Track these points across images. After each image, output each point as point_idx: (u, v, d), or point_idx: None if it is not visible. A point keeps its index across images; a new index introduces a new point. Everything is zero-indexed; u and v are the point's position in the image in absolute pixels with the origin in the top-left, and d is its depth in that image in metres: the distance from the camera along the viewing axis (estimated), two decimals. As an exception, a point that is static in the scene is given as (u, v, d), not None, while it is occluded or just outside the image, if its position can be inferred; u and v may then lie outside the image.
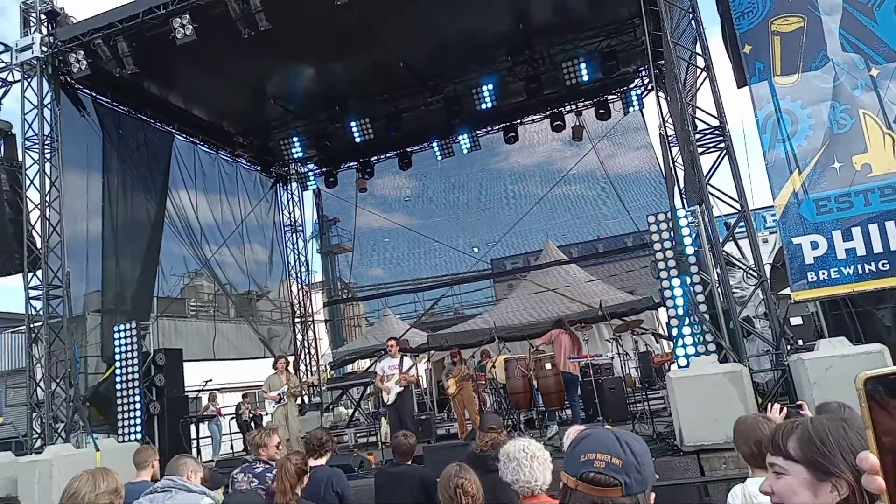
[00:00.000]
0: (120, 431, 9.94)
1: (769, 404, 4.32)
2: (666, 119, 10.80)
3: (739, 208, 8.09)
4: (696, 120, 8.46)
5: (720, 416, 6.32)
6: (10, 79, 10.85)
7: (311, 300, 18.28)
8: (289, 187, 18.19)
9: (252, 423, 14.48)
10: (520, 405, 10.39)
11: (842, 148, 7.58)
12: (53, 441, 9.45)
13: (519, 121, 15.68)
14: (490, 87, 13.63)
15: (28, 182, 10.49)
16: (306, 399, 15.56)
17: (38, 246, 10.26)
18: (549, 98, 14.53)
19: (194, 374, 13.69)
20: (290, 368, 10.68)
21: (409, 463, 5.37)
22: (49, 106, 10.57)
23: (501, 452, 3.38)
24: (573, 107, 15.30)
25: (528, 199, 16.67)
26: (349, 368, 16.74)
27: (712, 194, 8.09)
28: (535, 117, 15.75)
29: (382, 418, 10.80)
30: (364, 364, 16.56)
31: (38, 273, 10.24)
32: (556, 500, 3.17)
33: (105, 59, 10.29)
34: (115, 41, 10.04)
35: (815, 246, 7.41)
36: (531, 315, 13.67)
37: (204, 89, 13.31)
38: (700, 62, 8.64)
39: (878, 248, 7.16)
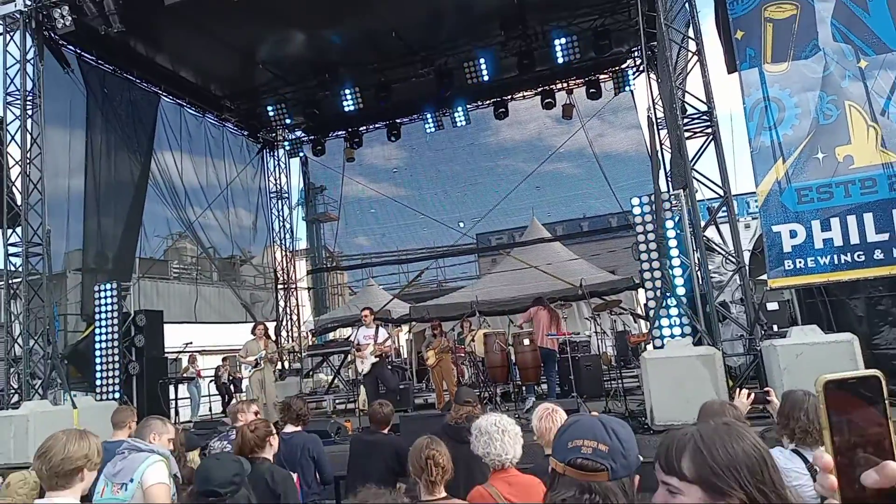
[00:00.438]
0: (98, 390, 9.97)
1: (738, 388, 4.44)
2: (655, 101, 10.81)
3: (722, 194, 8.17)
4: (685, 104, 8.49)
5: (691, 397, 6.46)
6: (-9, 32, 10.61)
7: (294, 267, 18.28)
8: (276, 153, 18.05)
9: (231, 386, 14.57)
10: (497, 379, 10.53)
11: (826, 138, 7.65)
12: (30, 397, 9.46)
13: (510, 96, 15.62)
14: (482, 61, 13.53)
15: (9, 138, 10.32)
16: (286, 365, 15.64)
17: (19, 203, 10.14)
18: (540, 74, 14.46)
19: (175, 336, 13.70)
20: (270, 335, 10.72)
21: (385, 432, 5.46)
22: (32, 61, 10.37)
23: (474, 426, 3.46)
24: (564, 84, 15.27)
25: (515, 174, 16.68)
26: (330, 336, 16.82)
27: (697, 179, 8.17)
28: (525, 93, 15.69)
29: (361, 386, 10.91)
30: (346, 332, 16.64)
31: (18, 230, 10.13)
32: (525, 473, 3.26)
33: (91, 16, 10.08)
34: (101, -3, 9.83)
35: (793, 234, 7.53)
36: (513, 291, 13.78)
37: (192, 51, 13.07)
38: (692, 46, 8.63)
39: (854, 239, 7.29)
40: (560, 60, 13.30)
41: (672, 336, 7.62)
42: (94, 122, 11.88)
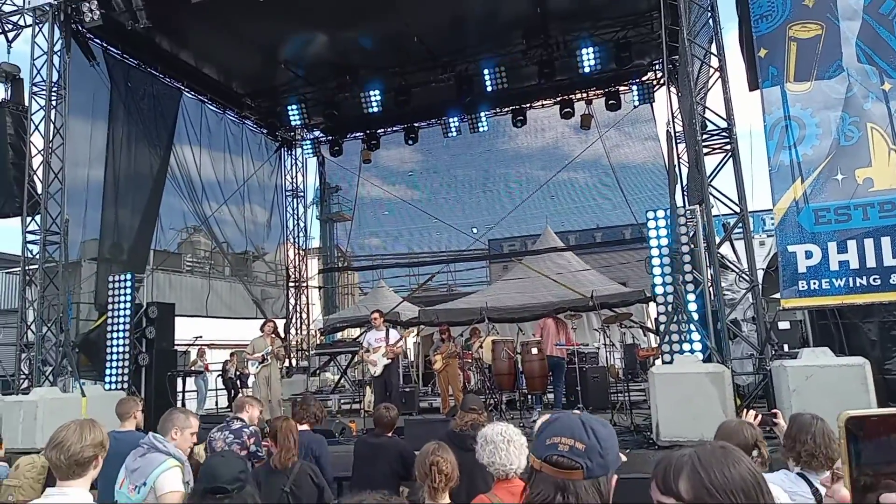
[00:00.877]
0: (107, 379, 10.05)
1: (745, 409, 4.41)
2: (675, 115, 10.77)
3: (739, 211, 8.12)
4: (705, 119, 8.45)
5: (698, 414, 6.43)
6: (21, 23, 10.77)
7: (306, 265, 18.37)
8: (293, 152, 18.19)
9: (238, 381, 14.65)
10: (503, 386, 10.52)
11: (846, 160, 7.58)
12: (40, 383, 9.56)
13: (529, 105, 15.62)
14: (503, 68, 13.54)
15: (33, 127, 10.47)
16: (293, 362, 15.70)
17: (39, 191, 10.28)
18: (560, 84, 14.45)
19: (185, 329, 13.79)
20: (278, 333, 10.78)
21: (390, 435, 5.46)
22: (59, 53, 10.53)
23: (480, 435, 3.46)
24: (584, 95, 15.26)
25: (530, 182, 16.66)
26: (339, 336, 16.87)
27: (713, 195, 8.12)
28: (544, 102, 15.69)
29: (367, 387, 10.93)
30: (354, 332, 16.69)
31: (37, 218, 10.27)
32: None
33: (118, 11, 10.24)
34: (130, -7, 9.97)
35: (809, 255, 7.46)
36: (523, 299, 13.75)
37: (216, 48, 13.22)
38: (714, 62, 8.60)
39: (871, 262, 7.21)
40: (581, 71, 13.29)
41: (681, 352, 7.57)
42: (117, 114, 12.04)
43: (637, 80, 14.79)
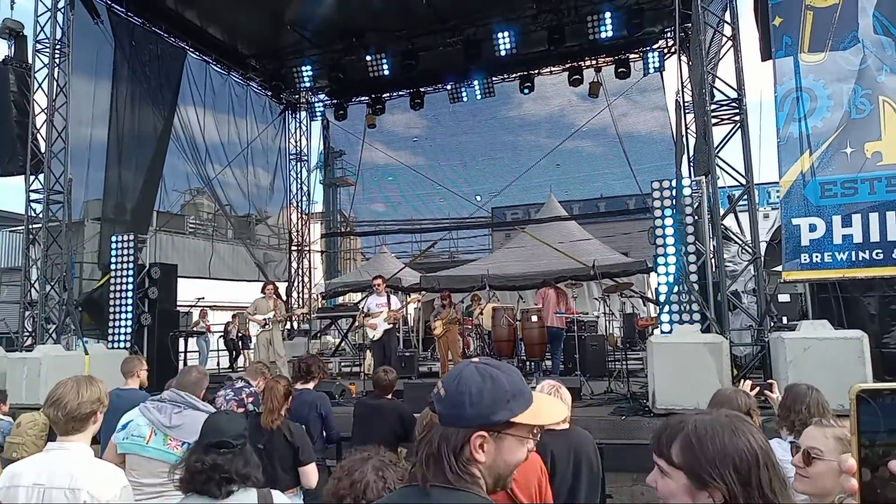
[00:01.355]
0: (110, 339, 10.14)
1: (742, 379, 4.43)
2: (684, 84, 10.62)
3: (745, 183, 8.06)
4: (715, 89, 8.33)
5: (695, 383, 6.47)
6: (24, -23, 10.62)
7: (309, 230, 18.38)
8: (297, 115, 18.04)
9: (240, 343, 14.78)
10: (502, 353, 10.59)
11: (856, 133, 7.48)
12: (44, 341, 9.66)
13: (537, 71, 15.41)
14: (511, 33, 13.33)
15: (36, 85, 10.39)
16: (294, 325, 15.82)
17: (42, 150, 10.24)
18: (569, 51, 14.25)
19: (188, 290, 13.87)
20: (280, 295, 10.83)
21: (389, 397, 5.53)
22: (62, 10, 10.38)
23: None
24: (593, 62, 15.03)
25: (535, 150, 16.55)
26: (340, 300, 16.96)
27: (720, 166, 8.05)
28: (553, 69, 15.47)
29: (368, 351, 11.02)
30: (356, 297, 16.77)
31: (41, 177, 10.25)
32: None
33: (123, -33, 10.05)
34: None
35: (813, 228, 7.42)
36: (524, 267, 13.78)
37: (221, 8, 13.04)
38: (727, 30, 8.45)
39: (874, 237, 7.17)
40: (592, 37, 13.07)
41: (681, 322, 7.59)
42: (121, 73, 11.94)
43: (648, 48, 14.55)
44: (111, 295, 10.25)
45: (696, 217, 7.99)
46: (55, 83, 10.28)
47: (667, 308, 7.77)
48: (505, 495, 2.92)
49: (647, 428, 6.73)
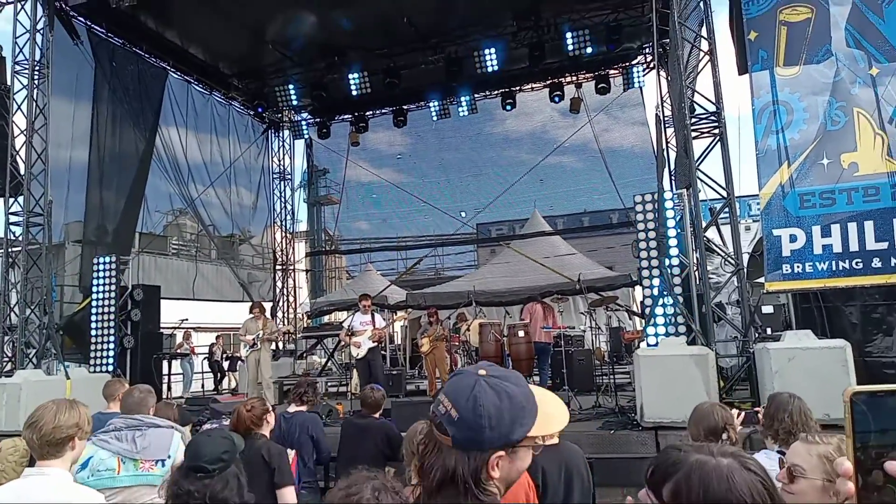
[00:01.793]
0: (92, 362, 10.00)
1: (737, 413, 4.42)
2: (664, 99, 10.77)
3: (726, 196, 8.16)
4: (694, 103, 8.45)
5: (682, 396, 6.49)
6: (2, 0, 10.54)
7: (293, 249, 18.29)
8: (280, 134, 18.02)
9: (224, 364, 14.63)
10: (491, 369, 10.56)
11: (832, 145, 7.62)
12: (24, 366, 9.49)
13: (518, 88, 15.55)
14: (492, 51, 13.45)
15: (15, 107, 10.29)
16: (279, 346, 15.69)
17: (22, 172, 10.13)
18: (550, 67, 14.40)
19: (171, 312, 13.73)
20: (268, 314, 10.76)
21: (377, 416, 5.48)
22: (42, 31, 10.33)
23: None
24: (574, 78, 15.21)
25: (519, 166, 16.65)
26: (326, 319, 16.85)
27: (701, 179, 8.15)
28: (534, 85, 15.63)
29: (354, 370, 10.95)
30: (341, 316, 16.68)
31: (20, 199, 10.13)
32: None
33: (102, -12, 10.03)
34: (113, -31, 9.78)
35: (793, 239, 7.51)
36: (510, 282, 13.80)
37: (202, 28, 13.02)
38: (704, 45, 8.59)
39: (854, 246, 7.28)
40: (571, 54, 13.23)
41: (666, 334, 7.63)
42: (101, 94, 11.86)
43: (627, 64, 14.76)
44: (93, 318, 10.11)
45: (679, 230, 8.06)
46: (34, 104, 10.19)
47: (652, 321, 7.81)
48: None
49: (635, 442, 6.73)
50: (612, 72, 14.81)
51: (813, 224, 7.48)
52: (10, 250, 10.21)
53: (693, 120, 8.29)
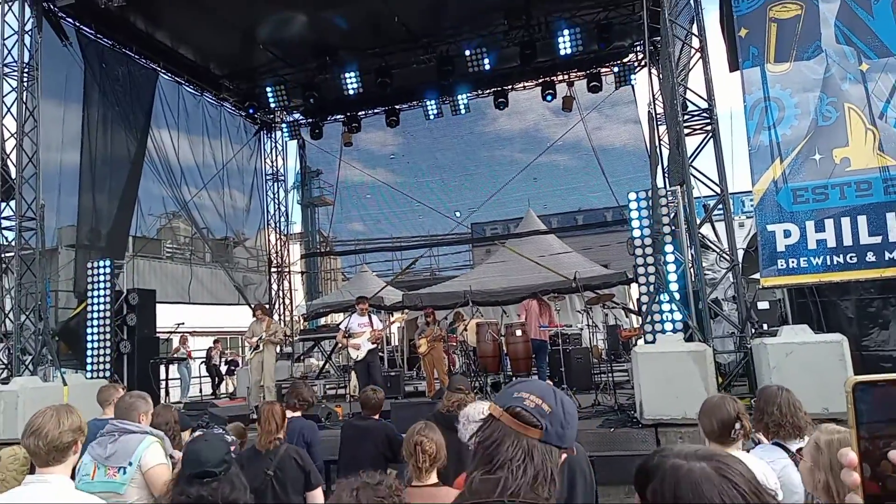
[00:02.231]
0: (88, 368, 9.94)
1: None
2: (656, 97, 10.81)
3: (719, 192, 8.20)
4: (686, 100, 8.49)
5: (681, 392, 6.52)
6: (-11, 2, 10.47)
7: (288, 251, 18.24)
8: (273, 135, 17.96)
9: (222, 368, 14.58)
10: (488, 369, 10.57)
11: (824, 140, 7.66)
12: (20, 373, 9.43)
13: (510, 87, 15.56)
14: (484, 50, 13.45)
15: (4, 110, 10.22)
16: (277, 349, 15.65)
17: (13, 176, 10.06)
18: (542, 66, 14.42)
19: (167, 316, 13.67)
20: (273, 315, 10.76)
21: (377, 417, 5.48)
22: (30, 33, 10.24)
23: (462, 414, 3.48)
24: (565, 76, 15.23)
25: (512, 165, 16.67)
26: (322, 321, 16.82)
27: (694, 176, 8.18)
28: (526, 84, 15.65)
29: (352, 372, 10.94)
30: (338, 318, 16.65)
31: (12, 203, 10.06)
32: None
33: (91, -11, 9.97)
34: (102, -30, 9.73)
35: (787, 234, 7.55)
36: (506, 281, 13.81)
37: (192, 29, 12.96)
38: (695, 42, 8.62)
39: (847, 241, 7.32)
40: (562, 52, 13.24)
41: (664, 331, 7.66)
42: (91, 96, 11.77)
43: (618, 62, 14.79)
44: (89, 323, 10.06)
45: (674, 227, 8.09)
46: (24, 107, 10.12)
47: (649, 318, 7.83)
48: None
49: (636, 439, 6.76)
50: (603, 70, 14.84)
51: (806, 219, 7.52)
52: (3, 255, 10.14)
53: (685, 117, 8.33)
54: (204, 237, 15.79)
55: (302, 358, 15.91)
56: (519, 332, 10.16)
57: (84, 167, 11.52)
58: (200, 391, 14.79)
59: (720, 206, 8.26)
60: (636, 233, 8.18)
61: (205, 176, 15.08)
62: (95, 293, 10.13)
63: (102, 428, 4.34)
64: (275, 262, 17.60)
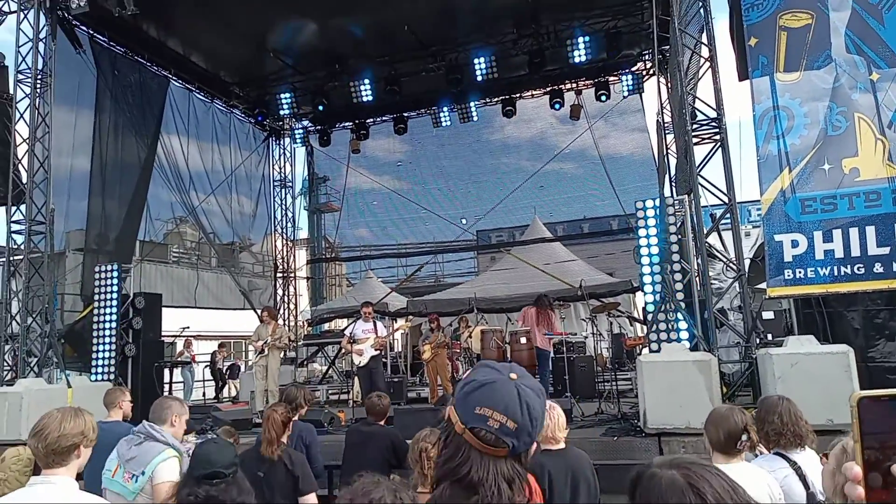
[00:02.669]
0: (93, 371, 9.97)
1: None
2: (664, 106, 10.80)
3: (727, 201, 8.17)
4: (695, 109, 8.47)
5: (685, 402, 6.48)
6: (6, 9, 10.59)
7: (294, 256, 18.29)
8: (281, 142, 18.05)
9: (227, 373, 14.60)
10: (493, 376, 10.54)
11: (833, 150, 7.63)
12: (25, 375, 9.48)
13: (518, 95, 15.58)
14: (492, 58, 13.48)
15: (18, 115, 10.32)
16: (282, 354, 15.68)
17: (24, 180, 10.14)
18: (550, 74, 14.42)
19: (172, 320, 13.72)
20: (279, 320, 10.76)
21: (382, 423, 5.47)
22: (44, 40, 10.37)
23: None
24: (573, 85, 15.24)
25: (518, 173, 16.67)
26: (326, 326, 16.84)
27: (702, 185, 8.16)
28: (534, 92, 15.66)
29: (355, 378, 10.93)
30: (342, 323, 16.67)
31: (22, 207, 10.14)
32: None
33: (105, -2, 10.09)
34: (117, -22, 9.84)
35: (795, 244, 7.52)
36: (511, 289, 13.79)
37: (203, 37, 13.08)
38: (704, 52, 8.62)
39: (855, 251, 7.28)
40: (571, 61, 13.26)
41: (669, 340, 7.62)
42: (103, 103, 11.88)
43: (627, 71, 14.79)
44: (94, 326, 10.10)
45: (681, 236, 8.06)
46: (37, 113, 10.22)
47: (654, 327, 7.80)
48: None
49: (639, 448, 6.71)
50: (611, 78, 14.83)
51: (814, 229, 7.48)
52: (11, 259, 10.21)
53: (694, 126, 8.31)
54: (211, 242, 15.87)
55: (305, 363, 15.92)
56: (524, 340, 10.13)
57: (94, 172, 11.61)
58: (203, 395, 14.81)
59: (727, 215, 8.23)
60: (643, 241, 8.15)
61: (213, 182, 15.17)
62: (102, 297, 10.18)
63: (106, 430, 4.35)
64: (280, 267, 17.65)
